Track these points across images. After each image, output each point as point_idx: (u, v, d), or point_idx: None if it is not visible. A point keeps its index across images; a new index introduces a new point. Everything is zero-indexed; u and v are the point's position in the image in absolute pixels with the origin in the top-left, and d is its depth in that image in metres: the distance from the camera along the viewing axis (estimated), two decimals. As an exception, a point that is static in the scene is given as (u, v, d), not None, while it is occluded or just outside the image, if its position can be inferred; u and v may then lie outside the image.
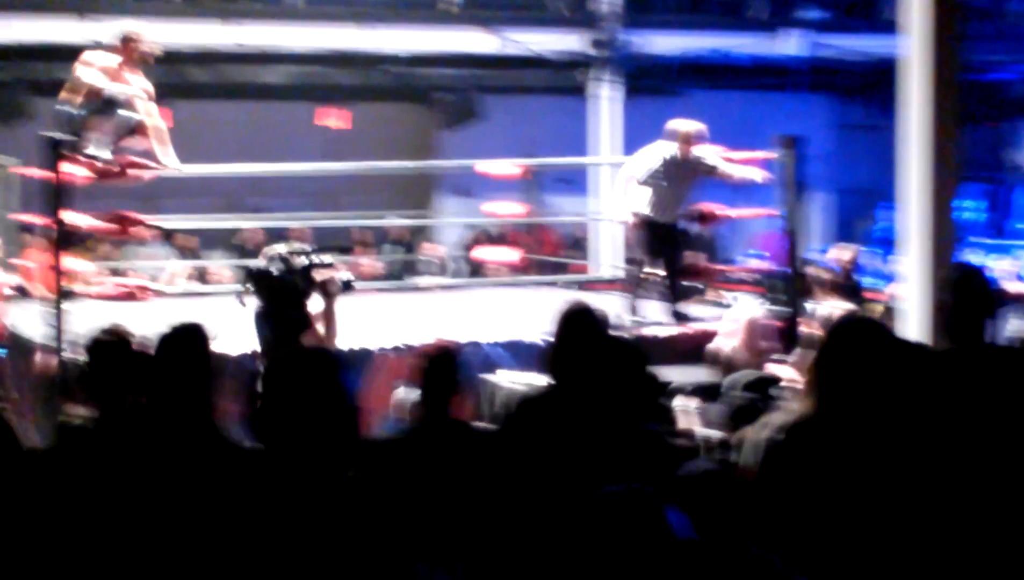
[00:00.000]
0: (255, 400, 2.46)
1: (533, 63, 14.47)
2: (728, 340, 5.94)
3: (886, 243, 14.69)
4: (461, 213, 14.96)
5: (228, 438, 3.27)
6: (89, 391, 3.54)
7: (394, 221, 13.97)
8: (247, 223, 13.47)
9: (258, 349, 5.89)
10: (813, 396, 3.04)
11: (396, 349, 6.92)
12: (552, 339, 4.20)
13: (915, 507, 2.88)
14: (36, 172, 7.65)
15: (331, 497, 2.37)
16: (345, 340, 6.34)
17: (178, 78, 12.80)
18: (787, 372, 5.46)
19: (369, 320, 7.46)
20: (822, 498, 2.90)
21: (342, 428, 2.41)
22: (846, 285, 8.64)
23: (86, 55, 8.00)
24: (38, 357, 6.88)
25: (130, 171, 8.05)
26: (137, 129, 7.98)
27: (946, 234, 6.40)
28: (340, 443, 2.40)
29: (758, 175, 8.24)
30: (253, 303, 5.94)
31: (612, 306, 6.26)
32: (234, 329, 7.31)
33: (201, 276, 12.66)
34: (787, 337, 7.00)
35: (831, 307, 7.08)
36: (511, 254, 11.58)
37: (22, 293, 9.07)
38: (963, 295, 3.83)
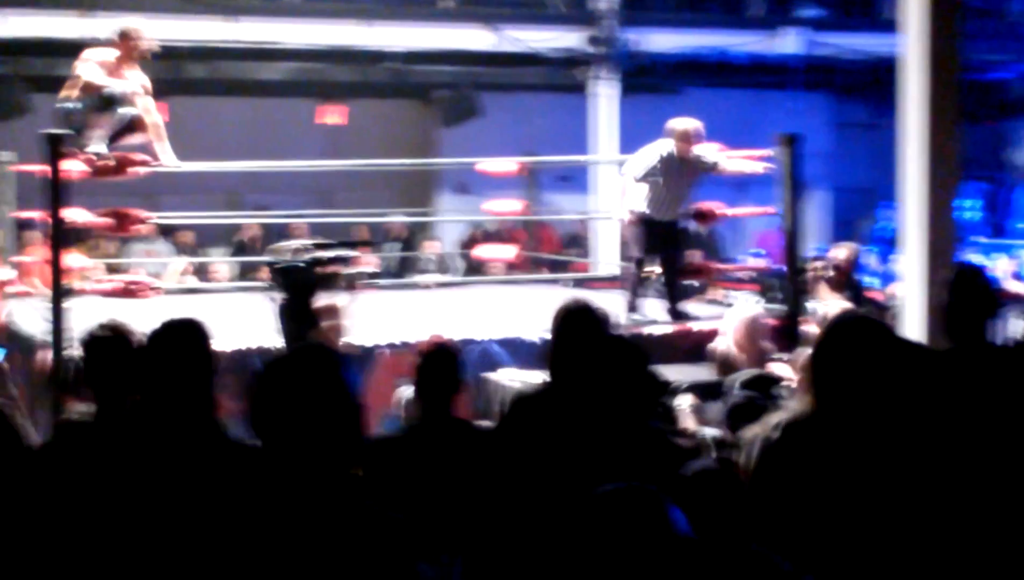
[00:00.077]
0: (257, 397, 2.45)
1: (532, 60, 14.47)
2: (728, 339, 5.94)
3: (888, 242, 14.71)
4: (461, 211, 14.97)
5: (228, 435, 3.26)
6: (87, 387, 3.54)
7: (395, 218, 13.97)
8: (247, 220, 13.49)
9: (281, 343, 5.92)
10: (809, 394, 3.04)
11: (397, 346, 6.91)
12: (552, 337, 4.20)
13: (913, 506, 2.88)
14: (35, 168, 7.65)
15: (333, 495, 2.36)
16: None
17: (177, 74, 12.80)
18: (788, 371, 5.47)
19: (370, 317, 7.46)
20: (818, 496, 2.90)
21: (346, 426, 2.41)
22: (847, 284, 8.64)
23: (86, 52, 8.00)
24: (39, 354, 6.88)
25: (128, 167, 8.05)
26: (135, 125, 7.98)
27: (946, 233, 6.41)
28: (344, 441, 2.40)
29: (758, 167, 8.27)
30: (276, 297, 5.99)
31: (612, 304, 6.26)
32: (235, 325, 7.33)
33: (202, 273, 12.67)
34: (788, 336, 7.01)
35: (831, 306, 7.10)
36: (510, 252, 11.58)
37: (22, 290, 9.07)
38: (964, 295, 3.83)
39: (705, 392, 5.40)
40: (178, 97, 12.60)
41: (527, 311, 7.96)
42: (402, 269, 13.73)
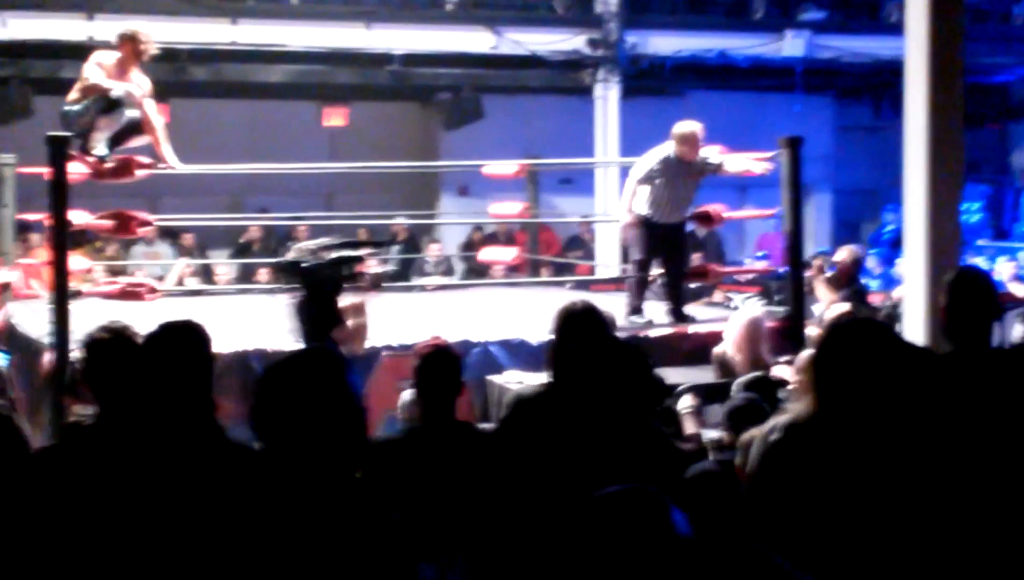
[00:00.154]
0: (260, 400, 2.45)
1: (534, 63, 14.48)
2: (731, 342, 5.94)
3: (889, 245, 14.72)
4: (463, 213, 14.98)
5: (228, 437, 3.26)
6: (89, 389, 3.54)
7: (397, 221, 13.98)
8: (249, 222, 13.50)
9: (295, 342, 5.92)
10: (809, 396, 3.04)
11: (398, 349, 6.90)
12: (554, 339, 4.20)
13: (913, 508, 2.88)
14: (38, 170, 7.66)
15: (333, 497, 2.36)
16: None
17: (178, 76, 12.81)
18: (789, 373, 5.46)
19: (374, 320, 7.46)
20: (818, 498, 2.90)
21: (349, 428, 2.41)
22: (848, 286, 8.63)
23: (95, 54, 8.02)
24: (44, 357, 6.88)
25: (130, 170, 8.05)
26: (138, 127, 7.99)
27: (950, 236, 6.40)
28: (346, 443, 2.40)
29: (760, 167, 8.27)
30: (291, 296, 5.99)
31: (613, 307, 6.26)
32: (236, 327, 7.34)
33: (204, 274, 12.68)
34: (790, 338, 7.01)
35: (834, 308, 7.09)
36: (511, 254, 11.59)
37: (24, 292, 9.08)
38: (967, 298, 3.83)
39: (706, 394, 5.41)
40: (180, 99, 12.62)
41: (529, 313, 7.96)
42: (404, 271, 13.73)
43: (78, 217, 7.45)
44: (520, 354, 7.20)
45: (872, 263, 13.23)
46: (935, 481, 2.92)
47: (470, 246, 14.23)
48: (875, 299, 9.75)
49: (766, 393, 5.03)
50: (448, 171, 14.98)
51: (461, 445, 3.90)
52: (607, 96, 14.61)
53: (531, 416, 3.94)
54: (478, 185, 13.61)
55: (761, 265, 12.78)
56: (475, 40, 14.14)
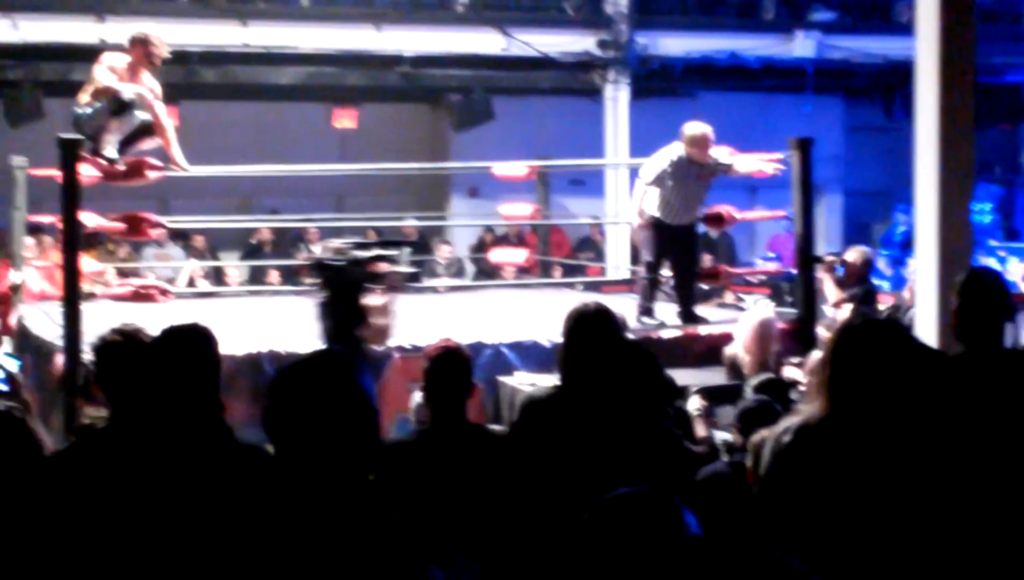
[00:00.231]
0: (272, 402, 2.45)
1: (544, 64, 14.48)
2: (741, 343, 5.94)
3: (899, 246, 14.69)
4: (474, 215, 14.99)
5: (238, 439, 3.26)
6: (101, 391, 3.54)
7: (407, 222, 14.00)
8: (259, 224, 13.53)
9: (323, 340, 5.94)
10: (821, 397, 3.04)
11: (409, 350, 6.90)
12: (565, 340, 4.20)
13: (924, 509, 2.88)
14: (49, 173, 7.68)
15: (346, 499, 2.37)
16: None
17: (188, 78, 12.84)
18: (799, 375, 5.46)
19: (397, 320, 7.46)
20: (829, 499, 2.90)
21: (360, 431, 2.41)
22: (860, 287, 8.62)
23: (102, 57, 8.03)
24: (56, 359, 6.90)
25: (141, 172, 8.07)
26: (148, 130, 8.01)
27: (961, 237, 6.38)
28: (358, 446, 2.40)
29: (770, 168, 8.27)
30: (316, 295, 6.01)
31: (624, 308, 6.26)
32: (247, 328, 7.35)
33: (215, 276, 12.70)
34: (802, 340, 7.00)
35: (845, 309, 7.09)
36: (522, 256, 11.60)
37: (36, 294, 9.10)
38: (978, 299, 3.82)
39: (717, 396, 5.41)
40: (190, 101, 12.65)
41: (540, 315, 7.96)
42: (415, 273, 13.72)
43: (89, 219, 7.47)
44: (531, 355, 7.20)
45: (883, 264, 13.21)
46: (947, 483, 2.92)
47: (481, 247, 14.23)
48: (881, 303, 9.72)
49: (777, 395, 5.03)
50: (458, 172, 14.99)
51: (472, 447, 3.90)
52: (617, 97, 14.60)
53: (542, 418, 3.94)
54: (488, 186, 13.61)
55: (772, 266, 12.76)
56: (485, 41, 14.14)
